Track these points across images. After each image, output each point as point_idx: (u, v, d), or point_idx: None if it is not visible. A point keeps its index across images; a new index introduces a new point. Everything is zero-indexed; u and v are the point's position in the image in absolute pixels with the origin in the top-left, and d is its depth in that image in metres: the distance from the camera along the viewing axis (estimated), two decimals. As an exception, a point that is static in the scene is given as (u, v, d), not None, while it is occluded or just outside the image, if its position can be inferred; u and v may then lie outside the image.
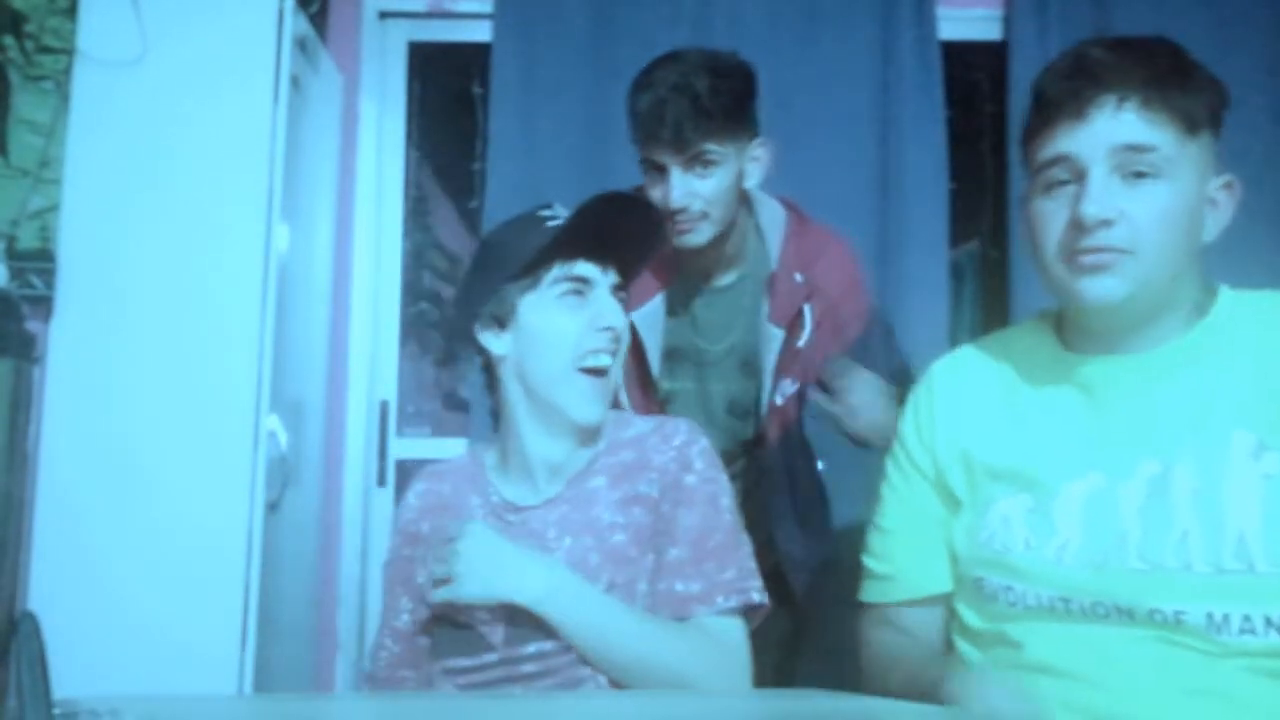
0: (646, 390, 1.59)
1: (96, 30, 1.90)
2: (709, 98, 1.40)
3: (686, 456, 1.17)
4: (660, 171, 1.45)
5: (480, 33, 2.43)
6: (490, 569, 1.09)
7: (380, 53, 2.51)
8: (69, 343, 1.86)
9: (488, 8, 2.40)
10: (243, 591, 1.79)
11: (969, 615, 1.03)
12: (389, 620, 1.24)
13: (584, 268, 1.16)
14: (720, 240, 1.51)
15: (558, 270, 1.15)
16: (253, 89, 1.89)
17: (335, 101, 2.40)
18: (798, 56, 2.35)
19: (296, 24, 1.99)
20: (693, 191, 1.43)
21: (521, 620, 1.10)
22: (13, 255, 1.94)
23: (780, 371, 1.56)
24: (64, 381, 1.84)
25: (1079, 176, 0.93)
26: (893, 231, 2.31)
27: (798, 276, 1.54)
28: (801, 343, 1.55)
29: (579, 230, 1.14)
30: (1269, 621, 0.85)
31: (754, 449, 1.64)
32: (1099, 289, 0.93)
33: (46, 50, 2.00)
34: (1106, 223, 0.91)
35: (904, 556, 1.11)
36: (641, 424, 1.23)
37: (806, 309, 1.54)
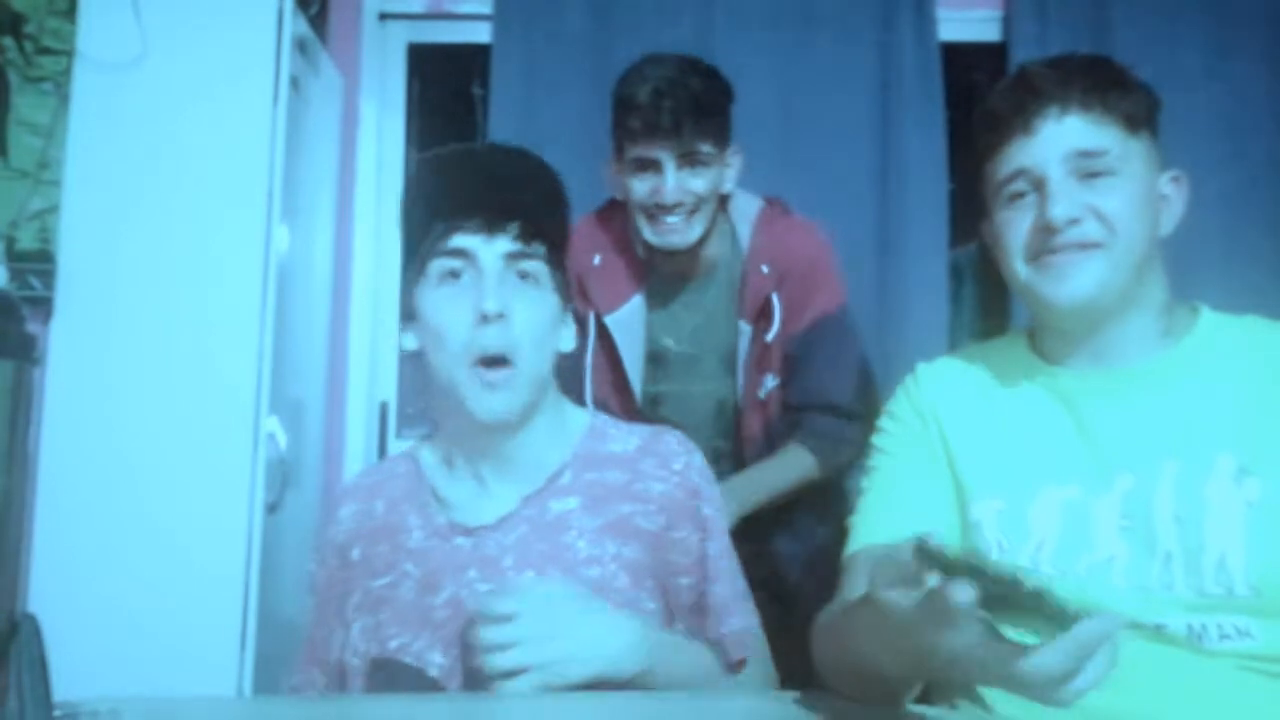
0: (624, 395, 1.60)
1: (96, 32, 1.90)
2: (704, 95, 1.44)
3: (691, 483, 1.04)
4: (648, 169, 1.47)
5: (480, 33, 2.43)
6: (576, 644, 0.89)
7: (380, 54, 2.51)
8: (69, 344, 1.86)
9: (487, 8, 2.40)
10: (243, 592, 1.79)
11: None
12: (318, 650, 1.06)
13: (460, 240, 0.95)
14: (700, 243, 1.53)
15: (432, 247, 0.97)
16: (252, 90, 1.89)
17: (335, 103, 2.40)
18: (798, 57, 2.35)
19: (296, 25, 1.99)
20: (685, 187, 1.46)
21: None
22: (12, 256, 1.95)
23: (755, 366, 1.57)
24: (64, 382, 1.84)
25: (1038, 186, 0.97)
26: (893, 232, 2.30)
27: (764, 267, 1.55)
28: (770, 336, 1.56)
29: (446, 194, 0.95)
30: (1240, 631, 0.88)
31: (740, 447, 1.64)
32: (1068, 288, 0.95)
33: (46, 51, 2.00)
34: (1075, 221, 0.94)
35: (905, 497, 1.03)
36: (626, 438, 1.07)
37: (774, 299, 1.55)
